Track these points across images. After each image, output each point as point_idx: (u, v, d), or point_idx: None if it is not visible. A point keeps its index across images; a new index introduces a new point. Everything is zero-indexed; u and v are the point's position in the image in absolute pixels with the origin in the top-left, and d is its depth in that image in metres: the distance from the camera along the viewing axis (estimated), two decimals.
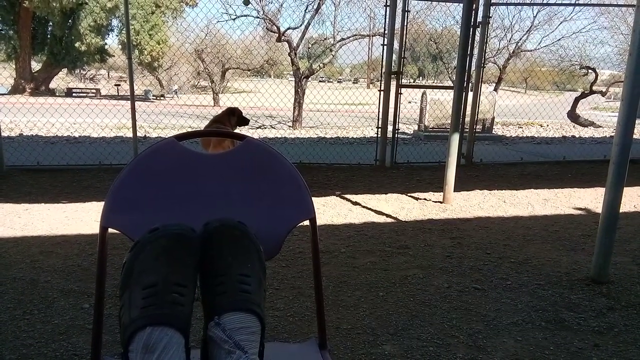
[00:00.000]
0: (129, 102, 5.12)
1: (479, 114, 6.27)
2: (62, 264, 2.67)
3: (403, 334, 2.05)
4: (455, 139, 4.06)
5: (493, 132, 9.99)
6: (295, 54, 12.87)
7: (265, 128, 12.18)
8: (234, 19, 13.53)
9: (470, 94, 5.87)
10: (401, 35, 5.60)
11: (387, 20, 5.51)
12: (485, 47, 5.89)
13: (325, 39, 14.67)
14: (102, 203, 1.02)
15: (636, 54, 2.38)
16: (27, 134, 8.04)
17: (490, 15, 5.89)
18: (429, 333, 2.06)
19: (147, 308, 0.77)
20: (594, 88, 14.66)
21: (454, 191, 4.18)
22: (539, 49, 17.48)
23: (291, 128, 12.35)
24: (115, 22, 22.71)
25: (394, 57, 5.66)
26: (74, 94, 21.50)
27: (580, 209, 4.16)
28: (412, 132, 10.16)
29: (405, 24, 5.54)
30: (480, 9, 5.64)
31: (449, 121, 4.21)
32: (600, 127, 13.20)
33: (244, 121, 4.37)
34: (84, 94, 22.19)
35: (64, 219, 3.46)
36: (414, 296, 2.41)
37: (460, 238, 3.31)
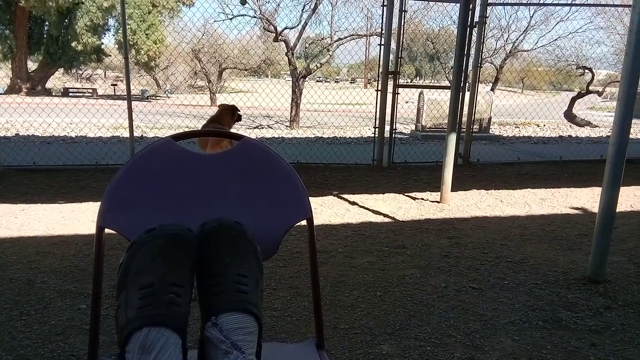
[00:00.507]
0: (126, 101, 5.11)
1: (476, 114, 6.28)
2: (58, 265, 2.66)
3: (400, 334, 2.05)
4: (453, 138, 4.07)
5: (490, 132, 10.00)
6: (293, 53, 12.86)
7: (262, 128, 12.17)
8: (231, 19, 13.51)
9: (467, 94, 5.89)
10: (398, 35, 5.60)
11: (384, 20, 5.52)
12: (482, 47, 5.90)
13: (322, 38, 14.67)
14: (99, 203, 1.01)
15: (632, 54, 2.39)
16: (24, 134, 8.01)
17: (487, 15, 5.90)
18: (427, 333, 2.07)
19: (144, 308, 0.77)
20: (591, 88, 14.70)
21: (451, 191, 4.18)
22: (535, 49, 17.52)
23: (288, 128, 12.34)
24: (111, 21, 22.65)
25: (391, 57, 5.67)
26: (70, 94, 21.43)
27: (577, 208, 4.17)
28: (409, 132, 10.16)
29: (403, 23, 5.55)
30: (477, 8, 5.65)
31: (446, 121, 4.21)
32: (597, 127, 13.23)
33: (239, 118, 4.41)
34: (81, 94, 22.12)
35: (61, 219, 3.45)
36: (412, 296, 2.42)
37: (458, 238, 3.31)
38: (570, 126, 13.21)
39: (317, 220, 3.57)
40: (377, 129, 5.74)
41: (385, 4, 5.46)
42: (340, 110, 16.48)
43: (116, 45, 22.56)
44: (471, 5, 5.21)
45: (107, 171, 4.98)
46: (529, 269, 2.79)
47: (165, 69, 23.63)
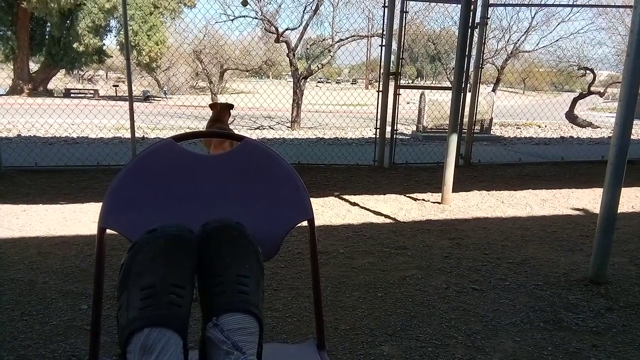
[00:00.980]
0: (127, 102, 5.12)
1: (477, 115, 6.27)
2: (60, 265, 2.66)
3: (401, 335, 2.05)
4: (454, 139, 4.07)
5: (491, 132, 10.00)
6: (294, 54, 12.86)
7: (263, 129, 12.18)
8: (232, 20, 13.51)
9: (469, 95, 5.88)
10: (399, 36, 5.60)
11: (386, 21, 5.52)
12: (483, 48, 5.90)
13: (323, 39, 14.67)
14: (100, 204, 1.02)
15: (634, 55, 2.39)
16: (25, 135, 8.02)
17: (488, 16, 5.90)
18: (428, 333, 2.06)
19: (145, 309, 0.77)
20: (592, 89, 14.68)
21: (453, 192, 4.18)
22: (537, 49, 17.49)
23: (290, 129, 12.35)
24: (113, 22, 22.67)
25: (392, 57, 5.67)
26: (72, 95, 21.45)
27: (578, 209, 4.17)
28: (410, 133, 10.16)
29: (404, 24, 5.55)
30: (478, 10, 5.65)
31: (447, 122, 4.21)
32: (598, 127, 13.22)
33: (230, 106, 4.60)
34: (82, 95, 22.14)
35: (62, 220, 3.45)
36: (413, 297, 2.42)
37: (459, 239, 3.31)
38: (571, 127, 13.19)
39: (318, 221, 3.57)
40: (378, 130, 5.74)
41: (386, 5, 5.47)
42: (342, 111, 16.48)
43: (118, 47, 22.58)
44: (472, 6, 5.21)
45: (108, 172, 4.99)
46: (530, 270, 2.79)
47: (166, 70, 23.66)
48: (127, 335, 0.75)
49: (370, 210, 3.92)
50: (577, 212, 4.07)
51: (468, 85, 5.80)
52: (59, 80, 25.96)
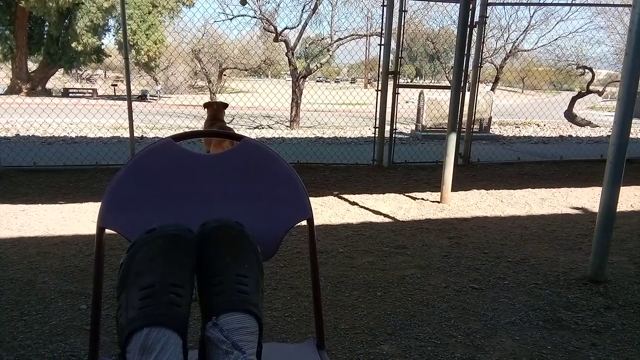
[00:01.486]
0: (126, 102, 5.11)
1: (476, 114, 6.28)
2: (59, 265, 2.66)
3: (401, 334, 2.05)
4: (453, 138, 4.07)
5: (490, 131, 9.99)
6: (293, 53, 12.86)
7: (262, 128, 12.17)
8: (231, 19, 13.51)
9: (468, 94, 5.88)
10: (398, 35, 5.60)
11: (384, 20, 5.52)
12: (482, 46, 5.90)
13: (322, 38, 14.67)
14: (99, 204, 1.01)
15: (632, 54, 2.39)
16: (24, 135, 8.01)
17: (487, 15, 5.90)
18: (427, 333, 2.07)
19: (145, 309, 0.77)
20: (591, 88, 14.70)
21: (452, 191, 4.18)
22: (535, 48, 17.51)
23: (288, 128, 12.34)
24: (111, 22, 22.66)
25: (391, 57, 5.67)
26: (70, 94, 21.43)
27: (577, 208, 4.17)
28: (409, 132, 10.16)
29: (403, 23, 5.55)
30: (477, 8, 5.65)
31: (446, 121, 4.21)
32: (597, 126, 13.23)
33: (225, 105, 4.69)
34: (81, 94, 22.12)
35: (61, 220, 3.45)
36: (412, 296, 2.42)
37: (458, 238, 3.31)
38: (570, 126, 13.20)
39: (318, 220, 3.57)
40: (377, 129, 5.74)
41: (385, 4, 5.47)
42: (341, 110, 16.48)
43: (116, 46, 22.56)
44: (471, 5, 5.21)
45: (107, 171, 4.98)
46: (530, 269, 2.79)
47: (165, 69, 23.64)
48: (127, 334, 0.75)
49: (370, 210, 3.93)
50: (576, 211, 4.08)
51: (467, 84, 5.81)
52: (58, 80, 25.94)
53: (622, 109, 2.46)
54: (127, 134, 5.62)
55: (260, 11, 12.90)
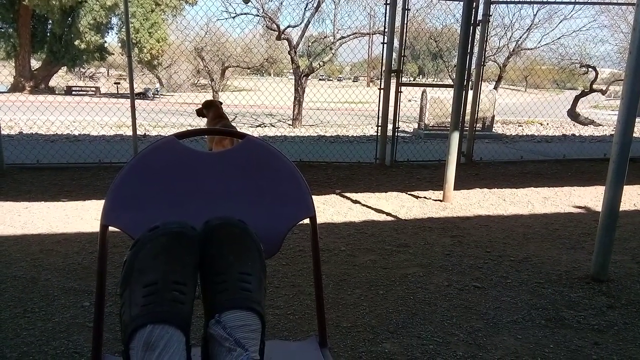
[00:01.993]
0: (129, 100, 5.12)
1: (479, 113, 6.27)
2: (62, 262, 2.67)
3: (403, 332, 2.05)
4: (455, 137, 4.06)
5: (493, 130, 9.99)
6: (295, 52, 12.85)
7: (265, 126, 12.17)
8: (233, 17, 13.51)
9: (471, 93, 5.87)
10: (401, 34, 5.59)
11: (387, 18, 5.51)
12: (485, 45, 5.88)
13: (325, 37, 14.65)
14: (102, 201, 1.02)
15: (636, 52, 2.38)
16: (27, 132, 8.04)
17: (490, 14, 5.89)
18: (429, 331, 2.07)
19: (148, 306, 0.77)
20: (594, 86, 14.65)
21: (454, 189, 4.18)
22: (539, 47, 17.47)
23: (291, 126, 12.34)
24: (114, 20, 22.69)
25: (394, 55, 5.66)
26: (73, 92, 21.49)
27: (580, 207, 4.16)
28: (412, 131, 10.15)
29: (405, 22, 5.54)
30: (480, 7, 5.64)
31: (449, 119, 4.21)
32: (600, 125, 13.19)
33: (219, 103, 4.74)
34: (84, 92, 22.19)
35: (64, 217, 3.46)
36: (414, 294, 2.42)
37: (460, 236, 3.31)
38: (573, 125, 13.17)
39: (320, 218, 3.58)
40: (379, 128, 5.74)
41: (388, 2, 5.46)
42: (343, 108, 16.47)
43: (119, 44, 22.60)
44: (474, 3, 5.20)
45: (110, 169, 5.00)
46: (532, 268, 2.79)
47: (168, 68, 23.66)
48: (130, 331, 0.76)
49: (372, 208, 3.93)
50: (578, 210, 4.07)
51: (470, 82, 5.79)
52: (61, 78, 25.99)
53: (626, 108, 2.45)
54: (129, 132, 5.64)
55: (263, 9, 12.89)
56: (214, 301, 0.83)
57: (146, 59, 22.13)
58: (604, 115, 17.15)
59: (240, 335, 0.79)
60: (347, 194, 4.31)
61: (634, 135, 2.56)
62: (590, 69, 15.10)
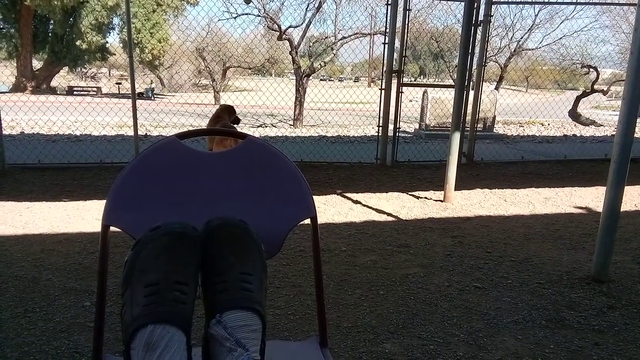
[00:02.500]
0: (130, 100, 5.13)
1: (480, 113, 6.27)
2: (63, 262, 2.67)
3: (403, 332, 2.05)
4: (456, 137, 4.06)
5: (494, 130, 9.98)
6: (297, 52, 12.85)
7: (266, 126, 12.17)
8: (235, 18, 13.50)
9: (472, 93, 5.87)
10: (402, 34, 5.59)
11: (389, 18, 5.51)
12: (487, 45, 5.88)
13: (326, 37, 14.64)
14: (104, 201, 1.02)
15: (637, 53, 2.38)
16: (28, 132, 8.04)
17: (492, 14, 5.89)
18: (430, 331, 2.07)
19: (149, 306, 0.77)
20: (595, 87, 14.64)
21: (455, 190, 4.18)
22: (540, 47, 17.46)
23: (292, 126, 12.34)
24: (116, 20, 22.71)
25: (395, 55, 5.66)
26: (75, 92, 21.50)
27: (581, 207, 4.16)
28: (413, 131, 10.15)
29: (407, 22, 5.54)
30: (482, 7, 5.63)
31: (450, 120, 4.21)
32: (602, 125, 13.18)
33: (237, 120, 4.48)
34: (85, 92, 22.20)
35: (66, 218, 3.46)
36: (415, 295, 2.42)
37: (461, 237, 3.31)
38: (574, 125, 13.16)
39: (321, 218, 3.58)
40: (380, 128, 5.74)
41: (389, 2, 5.46)
42: (344, 109, 16.47)
43: (121, 44, 22.59)
44: (475, 3, 5.20)
45: (111, 169, 5.00)
46: (533, 268, 2.79)
47: (169, 68, 23.69)
48: (131, 331, 0.76)
49: (373, 208, 3.93)
50: (579, 211, 4.07)
51: (471, 83, 5.79)
52: (62, 78, 26.02)
53: (627, 108, 2.45)
54: (131, 132, 5.64)
55: (265, 9, 12.89)
56: (215, 301, 0.83)
57: (147, 60, 22.15)
58: (605, 115, 17.13)
59: (241, 335, 0.79)
60: (348, 194, 4.31)
61: (635, 135, 2.56)
62: (591, 70, 15.09)
